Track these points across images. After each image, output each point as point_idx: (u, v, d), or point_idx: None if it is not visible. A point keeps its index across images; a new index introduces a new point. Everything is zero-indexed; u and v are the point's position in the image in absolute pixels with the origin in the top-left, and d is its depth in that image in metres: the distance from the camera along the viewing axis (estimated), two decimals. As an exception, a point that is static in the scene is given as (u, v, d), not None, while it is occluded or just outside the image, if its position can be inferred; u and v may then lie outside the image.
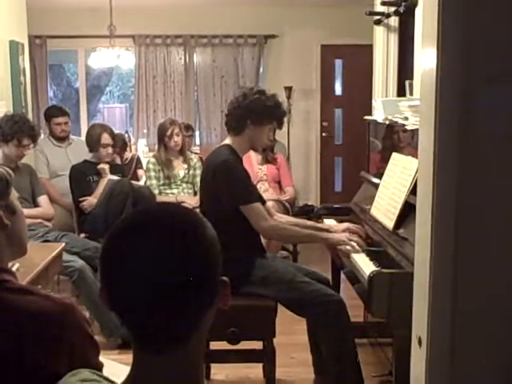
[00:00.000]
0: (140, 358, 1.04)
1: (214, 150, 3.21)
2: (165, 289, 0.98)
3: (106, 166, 4.62)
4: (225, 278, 1.06)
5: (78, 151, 5.35)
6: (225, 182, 2.99)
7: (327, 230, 3.28)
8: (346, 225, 3.33)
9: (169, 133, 4.98)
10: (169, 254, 0.99)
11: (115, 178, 4.60)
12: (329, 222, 3.62)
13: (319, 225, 3.47)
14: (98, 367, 1.43)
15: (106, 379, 1.13)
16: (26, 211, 3.00)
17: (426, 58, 1.80)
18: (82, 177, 4.61)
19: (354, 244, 3.04)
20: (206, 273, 1.02)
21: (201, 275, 1.01)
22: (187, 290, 0.99)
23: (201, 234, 1.04)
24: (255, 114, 3.06)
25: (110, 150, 4.67)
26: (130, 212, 1.11)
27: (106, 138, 4.63)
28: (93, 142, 4.65)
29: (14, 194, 1.58)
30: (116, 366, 1.73)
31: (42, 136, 5.53)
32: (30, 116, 5.10)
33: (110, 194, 4.43)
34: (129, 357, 1.05)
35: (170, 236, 1.01)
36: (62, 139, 5.32)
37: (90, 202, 4.51)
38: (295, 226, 3.21)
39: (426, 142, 1.80)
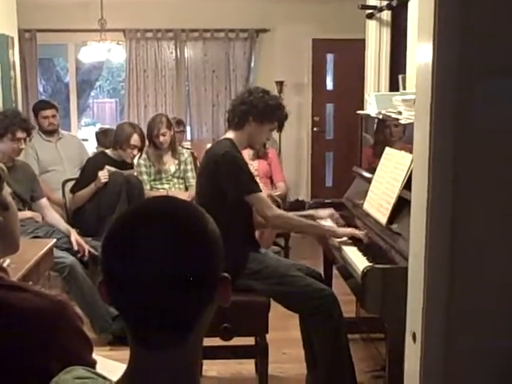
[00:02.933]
0: (137, 355, 1.02)
1: (216, 142, 3.28)
2: (164, 282, 0.96)
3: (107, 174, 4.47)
4: (226, 275, 1.04)
5: (68, 146, 5.31)
6: (228, 172, 3.02)
7: (312, 216, 3.41)
8: (330, 210, 3.48)
9: (155, 132, 4.95)
10: (170, 247, 0.97)
11: (112, 169, 4.52)
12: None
13: (303, 213, 3.54)
14: (92, 364, 1.41)
15: (100, 376, 1.11)
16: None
17: (421, 52, 1.78)
18: (93, 169, 4.52)
19: (362, 234, 3.08)
20: (207, 268, 1.01)
21: (201, 270, 0.99)
22: (187, 284, 0.97)
23: (203, 228, 1.02)
24: (258, 110, 3.12)
25: (135, 151, 4.64)
26: (132, 204, 1.10)
27: (135, 140, 4.58)
28: (120, 141, 4.59)
29: (6, 190, 1.56)
30: (109, 363, 1.72)
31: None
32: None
33: (103, 188, 4.40)
34: (120, 353, 1.04)
35: (171, 229, 0.99)
36: (50, 133, 5.26)
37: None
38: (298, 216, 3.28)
39: (422, 136, 1.78)
